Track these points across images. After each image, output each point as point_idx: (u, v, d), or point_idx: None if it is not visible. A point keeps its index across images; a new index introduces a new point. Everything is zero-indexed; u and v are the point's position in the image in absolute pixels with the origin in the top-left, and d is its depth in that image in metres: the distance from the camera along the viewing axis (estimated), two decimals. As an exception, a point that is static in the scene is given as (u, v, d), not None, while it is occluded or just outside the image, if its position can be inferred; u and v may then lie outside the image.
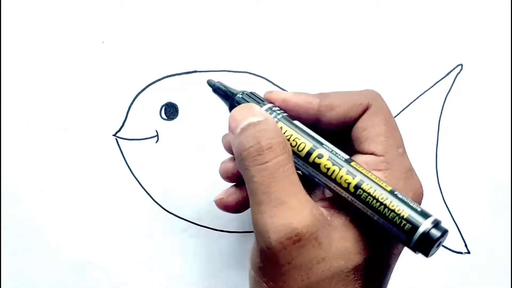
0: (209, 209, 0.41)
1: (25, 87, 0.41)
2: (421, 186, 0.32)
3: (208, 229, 0.42)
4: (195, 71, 0.41)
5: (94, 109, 0.41)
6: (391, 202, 0.28)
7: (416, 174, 0.32)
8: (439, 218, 0.28)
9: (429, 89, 0.43)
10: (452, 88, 0.43)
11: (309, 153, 0.30)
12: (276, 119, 0.30)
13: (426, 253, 0.27)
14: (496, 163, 0.43)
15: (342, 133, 0.32)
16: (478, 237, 0.43)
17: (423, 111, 0.43)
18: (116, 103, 0.41)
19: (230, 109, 0.32)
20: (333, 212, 0.30)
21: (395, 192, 0.28)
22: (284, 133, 0.30)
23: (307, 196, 0.29)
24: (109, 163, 0.41)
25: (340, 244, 0.29)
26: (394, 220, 0.28)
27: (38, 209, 0.41)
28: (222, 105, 0.42)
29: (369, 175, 0.29)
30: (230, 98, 0.33)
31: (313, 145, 0.30)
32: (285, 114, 0.31)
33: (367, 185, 0.29)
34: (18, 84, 0.41)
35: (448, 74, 0.43)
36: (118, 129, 0.41)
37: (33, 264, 0.41)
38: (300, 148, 0.30)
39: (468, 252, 0.43)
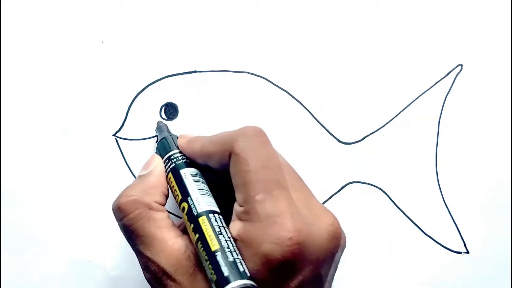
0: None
1: (25, 87, 0.41)
2: (291, 230, 0.29)
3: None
4: (195, 71, 0.41)
5: (94, 109, 0.41)
6: (208, 263, 0.29)
7: (306, 210, 0.30)
8: (249, 284, 0.28)
9: (429, 89, 0.43)
10: (452, 88, 0.43)
11: (179, 204, 0.33)
12: (168, 169, 0.35)
13: None
14: (496, 163, 0.43)
15: None
16: (478, 237, 0.43)
17: (423, 111, 0.43)
18: (116, 103, 0.41)
19: (156, 147, 0.38)
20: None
21: (216, 254, 0.29)
22: (170, 182, 0.34)
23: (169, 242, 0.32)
24: (109, 163, 0.41)
25: (202, 284, 0.30)
26: (211, 279, 0.29)
27: (38, 209, 0.41)
28: (222, 105, 0.42)
29: (207, 232, 0.30)
30: (159, 139, 0.38)
31: (182, 197, 0.33)
32: (183, 161, 0.35)
33: (199, 244, 0.30)
34: (18, 84, 0.41)
35: (448, 74, 0.43)
36: (118, 129, 0.41)
37: (33, 264, 0.41)
38: (177, 199, 0.34)
39: (468, 252, 0.43)
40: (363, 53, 0.43)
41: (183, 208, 0.32)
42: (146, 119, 0.41)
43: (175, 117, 0.41)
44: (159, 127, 0.39)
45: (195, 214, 0.31)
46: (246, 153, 0.31)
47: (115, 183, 0.41)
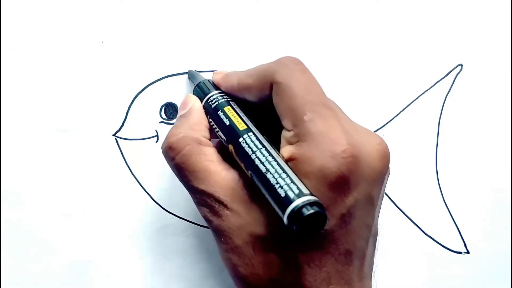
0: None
1: (25, 87, 0.41)
2: (352, 143, 0.29)
3: (208, 229, 0.42)
4: (195, 71, 0.41)
5: (94, 109, 0.41)
6: (267, 187, 0.29)
7: (354, 130, 0.30)
8: (319, 200, 0.27)
9: (429, 89, 0.43)
10: (452, 88, 0.43)
11: (227, 142, 0.33)
12: (208, 108, 0.35)
13: (300, 233, 0.27)
14: (496, 163, 0.43)
15: None
16: (478, 237, 0.43)
17: (423, 111, 0.43)
18: (116, 103, 0.41)
19: (193, 90, 0.38)
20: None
21: (274, 176, 0.28)
22: (212, 123, 0.34)
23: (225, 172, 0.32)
24: (109, 163, 0.41)
25: (258, 212, 0.30)
26: (274, 193, 0.28)
27: (38, 209, 0.41)
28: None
29: (261, 159, 0.30)
30: (196, 83, 0.38)
31: (230, 135, 0.33)
32: (222, 100, 0.35)
33: (255, 172, 0.30)
34: (18, 84, 0.41)
35: (448, 74, 0.43)
36: (117, 129, 0.41)
37: (33, 264, 0.41)
38: (221, 137, 0.34)
39: (468, 252, 0.43)
40: (363, 53, 0.43)
41: (233, 145, 0.32)
42: (146, 119, 0.41)
43: (175, 117, 0.41)
44: (192, 74, 0.40)
45: (248, 145, 0.31)
46: (288, 81, 0.31)
47: (115, 183, 0.41)
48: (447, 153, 0.43)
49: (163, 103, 0.41)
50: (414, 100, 0.43)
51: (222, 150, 0.34)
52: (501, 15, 0.43)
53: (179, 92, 0.41)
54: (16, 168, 0.41)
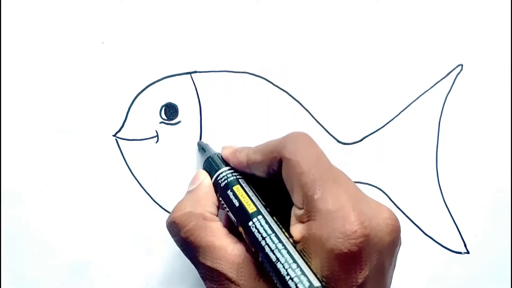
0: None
1: (25, 87, 0.41)
2: (363, 217, 0.29)
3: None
4: (195, 71, 0.41)
5: (94, 109, 0.41)
6: (274, 274, 0.29)
7: (363, 204, 0.30)
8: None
9: (429, 89, 0.43)
10: (452, 88, 0.43)
11: (238, 224, 0.33)
12: (218, 186, 0.35)
13: None
14: (496, 163, 0.43)
15: None
16: (478, 237, 0.43)
17: (423, 111, 0.43)
18: (116, 103, 0.41)
19: (203, 165, 0.38)
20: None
21: (283, 264, 0.29)
22: (223, 201, 0.35)
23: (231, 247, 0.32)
24: (109, 164, 0.41)
25: None
26: (284, 284, 0.29)
27: (38, 209, 0.41)
28: (222, 106, 0.42)
29: (271, 246, 0.30)
30: (205, 157, 0.38)
31: (241, 217, 0.33)
32: (231, 178, 0.35)
33: (265, 256, 0.30)
34: (18, 84, 0.41)
35: (448, 74, 0.43)
36: (118, 129, 0.41)
37: (33, 264, 0.41)
38: (232, 216, 0.34)
39: (468, 252, 0.43)
40: (363, 53, 0.43)
41: (243, 227, 0.32)
42: (146, 120, 0.41)
43: (175, 117, 0.41)
44: (202, 147, 0.40)
45: (257, 230, 0.31)
46: (297, 156, 0.31)
47: (115, 183, 0.41)
48: (447, 153, 0.43)
49: (163, 104, 0.41)
50: (414, 100, 0.43)
51: (231, 222, 0.34)
52: (501, 15, 0.43)
53: (179, 92, 0.41)
54: (16, 168, 0.41)
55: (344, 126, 0.42)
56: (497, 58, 0.43)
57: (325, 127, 0.42)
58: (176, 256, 0.42)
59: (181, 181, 0.41)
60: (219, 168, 0.36)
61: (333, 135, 0.42)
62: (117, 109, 0.41)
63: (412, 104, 0.43)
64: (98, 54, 0.41)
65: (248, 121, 0.42)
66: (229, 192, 0.34)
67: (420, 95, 0.43)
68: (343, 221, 0.28)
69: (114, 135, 0.41)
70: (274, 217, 0.32)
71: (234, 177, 0.35)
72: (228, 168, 0.36)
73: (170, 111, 0.41)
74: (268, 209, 0.32)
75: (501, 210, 0.43)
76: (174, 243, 0.42)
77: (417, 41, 0.43)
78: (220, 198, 0.35)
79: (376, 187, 0.43)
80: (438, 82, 0.43)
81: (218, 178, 0.35)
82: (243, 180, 0.35)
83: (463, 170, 0.43)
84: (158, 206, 0.41)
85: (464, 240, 0.43)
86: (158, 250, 0.42)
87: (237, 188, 0.34)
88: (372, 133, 0.43)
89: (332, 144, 0.42)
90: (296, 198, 0.31)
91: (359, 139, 0.43)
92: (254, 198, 0.33)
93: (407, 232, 0.43)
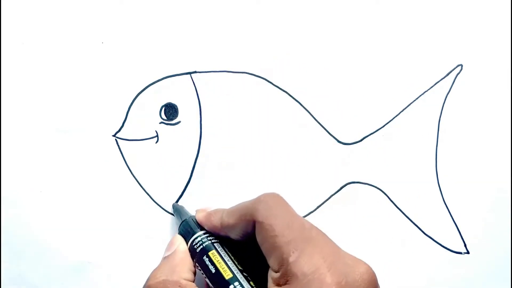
0: (209, 209, 0.41)
1: (25, 87, 0.41)
2: (345, 274, 0.29)
3: (208, 229, 0.42)
4: (195, 71, 0.41)
5: (94, 109, 0.41)
6: None
7: (339, 262, 0.30)
8: None
9: (429, 89, 0.43)
10: (452, 88, 0.43)
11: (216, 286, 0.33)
12: (193, 252, 0.35)
13: None
14: (496, 163, 0.43)
15: None
16: (478, 237, 0.43)
17: (423, 111, 0.43)
18: (116, 103, 0.41)
19: (178, 229, 0.38)
20: None
21: None
22: (200, 266, 0.35)
23: None
24: (109, 164, 0.41)
25: None
26: None
27: (38, 209, 0.41)
28: (222, 106, 0.42)
29: None
30: (181, 221, 0.38)
31: (217, 283, 0.33)
32: (207, 242, 0.35)
33: None
34: (18, 84, 0.41)
35: (448, 74, 0.43)
36: (117, 129, 0.41)
37: (33, 265, 0.41)
38: (210, 281, 0.34)
39: (468, 252, 0.43)
40: (363, 53, 0.43)
41: None
42: (146, 120, 0.41)
43: (175, 118, 0.41)
44: (177, 210, 0.40)
45: None
46: (270, 219, 0.31)
47: (115, 184, 0.41)
48: (447, 153, 0.43)
49: (163, 104, 0.41)
50: (414, 100, 0.43)
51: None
52: (501, 15, 0.43)
53: (179, 92, 0.41)
54: (16, 168, 0.41)
55: (344, 126, 0.42)
56: (497, 58, 0.43)
57: (325, 127, 0.42)
58: (176, 256, 0.42)
59: (181, 181, 0.41)
60: (194, 233, 0.36)
61: (333, 135, 0.42)
62: (117, 109, 0.41)
63: (412, 104, 0.43)
64: (98, 54, 0.41)
65: (248, 121, 0.42)
66: (204, 258, 0.34)
67: (420, 95, 0.43)
68: (320, 283, 0.29)
69: (114, 135, 0.41)
70: (251, 282, 0.32)
71: (210, 242, 0.35)
72: (203, 232, 0.36)
73: (170, 111, 0.41)
74: (245, 274, 0.33)
75: (501, 210, 0.43)
76: (174, 243, 0.42)
77: (417, 41, 0.43)
78: (197, 264, 0.35)
79: (376, 187, 0.43)
80: (438, 82, 0.43)
81: (194, 243, 0.35)
82: (218, 244, 0.35)
83: (463, 170, 0.43)
84: (158, 206, 0.41)
85: (464, 240, 0.43)
86: (158, 250, 0.42)
87: (212, 254, 0.34)
88: (372, 133, 0.43)
89: (332, 144, 0.42)
90: (272, 261, 0.31)
91: (359, 139, 0.43)
92: (230, 263, 0.33)
93: (407, 232, 0.43)
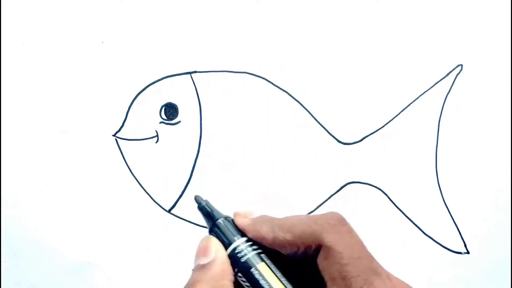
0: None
1: (25, 87, 0.41)
2: None
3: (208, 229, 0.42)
4: (195, 71, 0.41)
5: (94, 109, 0.41)
6: None
7: None
8: None
9: (429, 89, 0.43)
10: (452, 88, 0.43)
11: None
12: (236, 261, 0.30)
13: None
14: (496, 163, 0.43)
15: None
16: (478, 237, 0.43)
17: (423, 111, 0.43)
18: (116, 103, 0.41)
19: (209, 231, 0.33)
20: None
21: None
22: (239, 276, 0.30)
23: None
24: (109, 163, 0.41)
25: None
26: None
27: (38, 209, 0.41)
28: (222, 106, 0.42)
29: None
30: (212, 221, 0.33)
31: None
32: (252, 253, 0.30)
33: None
34: (18, 84, 0.41)
35: (448, 74, 0.43)
36: (118, 129, 0.41)
37: (32, 264, 0.41)
38: None
39: (468, 252, 0.43)
40: (363, 53, 0.43)
41: None
42: (146, 119, 0.41)
43: (175, 117, 0.41)
44: (205, 206, 0.34)
45: None
46: (340, 246, 0.29)
47: (115, 183, 0.41)
48: (447, 153, 0.43)
49: (163, 104, 0.41)
50: (414, 100, 0.43)
51: None
52: (501, 15, 0.43)
53: (179, 92, 0.41)
54: (16, 168, 0.41)
55: (344, 126, 0.42)
56: (497, 58, 0.43)
57: (325, 127, 0.42)
58: (176, 256, 0.42)
59: (181, 181, 0.41)
60: (234, 239, 0.31)
61: (333, 135, 0.42)
62: (117, 109, 0.41)
63: (412, 104, 0.43)
64: (98, 54, 0.41)
65: (248, 121, 0.42)
66: (253, 270, 0.30)
67: (420, 95, 0.43)
68: None
69: (114, 135, 0.41)
70: None
71: (255, 253, 0.30)
72: (245, 239, 0.31)
73: (170, 111, 0.41)
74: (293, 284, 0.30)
75: (501, 210, 0.43)
76: (174, 243, 0.42)
77: (417, 41, 0.43)
78: (240, 275, 0.30)
79: (376, 187, 0.43)
80: (438, 82, 0.43)
81: (236, 252, 0.31)
82: (265, 256, 0.31)
83: (463, 170, 0.43)
84: (158, 206, 0.41)
85: (464, 240, 0.43)
86: (158, 250, 0.42)
87: (262, 267, 0.30)
88: (372, 133, 0.43)
89: (332, 144, 0.42)
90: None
91: (359, 139, 0.43)
92: (283, 279, 0.30)
93: (407, 232, 0.43)
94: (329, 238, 0.29)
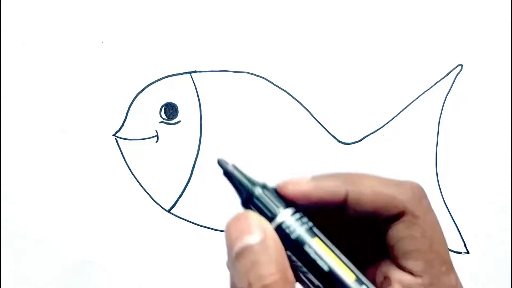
0: (209, 209, 0.41)
1: (25, 87, 0.41)
2: None
3: (208, 229, 0.42)
4: (195, 71, 0.41)
5: (94, 109, 0.41)
6: None
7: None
8: None
9: (429, 89, 0.43)
10: (452, 88, 0.43)
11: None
12: (285, 239, 0.25)
13: None
14: (496, 163, 0.43)
15: (371, 225, 0.27)
16: (478, 237, 0.43)
17: (423, 111, 0.43)
18: (116, 103, 0.41)
19: (243, 204, 0.26)
20: None
21: None
22: (291, 257, 0.25)
23: None
24: (109, 163, 0.41)
25: None
26: None
27: (38, 209, 0.41)
28: (222, 106, 0.42)
29: None
30: (246, 192, 0.26)
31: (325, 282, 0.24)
32: (303, 226, 0.25)
33: None
34: (18, 84, 0.41)
35: (448, 74, 0.43)
36: (118, 129, 0.41)
37: (33, 264, 0.41)
38: (315, 282, 0.25)
39: (468, 252, 0.43)
40: (363, 53, 0.43)
41: None
42: (146, 119, 0.41)
43: (175, 117, 0.41)
44: (232, 174, 0.26)
45: None
46: (427, 218, 0.27)
47: (115, 183, 0.41)
48: (447, 153, 0.43)
49: (163, 103, 0.41)
50: (414, 100, 0.43)
51: None
52: (501, 15, 0.43)
53: (179, 92, 0.41)
54: (16, 168, 0.41)
55: (344, 126, 0.42)
56: (497, 58, 0.43)
57: (325, 127, 0.42)
58: (176, 256, 0.42)
59: (181, 181, 0.41)
60: (278, 211, 0.25)
61: (333, 135, 0.42)
62: (117, 108, 0.41)
63: (412, 104, 0.43)
64: (98, 54, 0.41)
65: (248, 121, 0.42)
66: (307, 249, 0.24)
67: (420, 95, 0.43)
68: None
69: (114, 135, 0.41)
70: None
71: (307, 226, 0.25)
72: (291, 211, 0.25)
73: (170, 111, 0.41)
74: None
75: (501, 210, 0.43)
76: (174, 243, 0.42)
77: (417, 41, 0.43)
78: (290, 254, 0.25)
79: (376, 187, 0.43)
80: (438, 82, 0.43)
81: (284, 226, 0.25)
82: (317, 229, 0.25)
83: (463, 170, 0.43)
84: (158, 206, 0.41)
85: (464, 240, 0.43)
86: (158, 250, 0.42)
87: (317, 244, 0.24)
88: (372, 133, 0.43)
89: (332, 144, 0.42)
90: (414, 263, 0.27)
91: (359, 139, 0.43)
92: (342, 257, 0.25)
93: (407, 232, 0.43)
94: (416, 207, 0.26)
